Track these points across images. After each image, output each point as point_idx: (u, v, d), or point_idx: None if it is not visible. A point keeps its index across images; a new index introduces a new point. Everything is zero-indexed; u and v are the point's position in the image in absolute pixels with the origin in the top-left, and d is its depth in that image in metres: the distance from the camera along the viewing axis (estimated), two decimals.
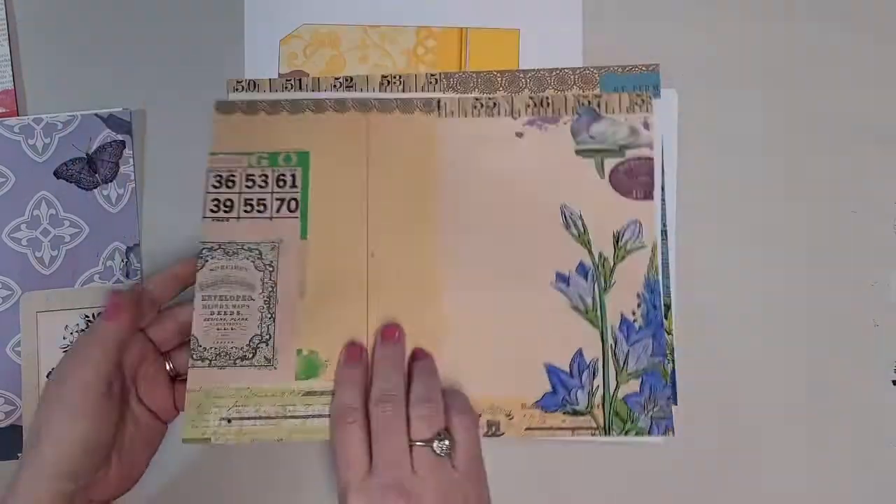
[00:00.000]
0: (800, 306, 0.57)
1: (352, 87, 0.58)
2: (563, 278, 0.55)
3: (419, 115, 0.57)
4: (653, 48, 0.58)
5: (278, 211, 0.56)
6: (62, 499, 0.46)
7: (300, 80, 0.58)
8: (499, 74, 0.58)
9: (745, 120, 0.58)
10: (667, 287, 0.57)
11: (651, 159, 0.56)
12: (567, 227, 0.56)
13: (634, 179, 0.56)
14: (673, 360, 0.56)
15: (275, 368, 0.54)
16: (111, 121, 0.58)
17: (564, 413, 0.54)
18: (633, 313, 0.55)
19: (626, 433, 0.54)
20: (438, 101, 0.57)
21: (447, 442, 0.47)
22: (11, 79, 0.58)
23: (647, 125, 0.56)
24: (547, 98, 0.57)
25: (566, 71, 0.58)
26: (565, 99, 0.57)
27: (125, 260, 0.58)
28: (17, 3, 0.59)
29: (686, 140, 0.58)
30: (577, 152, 0.57)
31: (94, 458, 0.48)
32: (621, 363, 0.55)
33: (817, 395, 0.57)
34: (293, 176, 0.56)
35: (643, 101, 0.57)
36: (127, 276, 0.57)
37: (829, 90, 0.58)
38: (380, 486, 0.45)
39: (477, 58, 0.58)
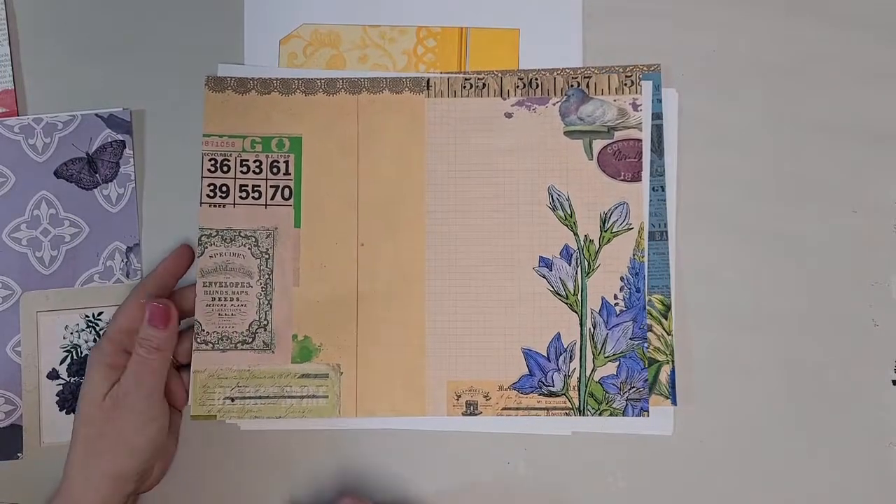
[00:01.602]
0: (800, 306, 0.57)
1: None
2: (546, 263, 0.56)
3: (409, 95, 0.57)
4: (653, 48, 0.58)
5: (273, 198, 0.57)
6: (121, 500, 0.51)
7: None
8: (500, 75, 0.58)
9: (745, 120, 0.58)
10: (667, 287, 0.57)
11: (639, 140, 0.57)
12: (554, 208, 0.56)
13: (623, 161, 0.56)
14: (673, 361, 0.56)
15: (273, 352, 0.56)
16: (111, 121, 0.58)
17: (540, 395, 0.56)
18: (615, 297, 0.56)
19: (601, 414, 0.55)
20: (428, 81, 0.58)
21: None
22: (11, 79, 0.58)
23: (636, 106, 0.57)
24: (536, 79, 0.57)
25: (567, 71, 0.58)
26: (555, 80, 0.57)
27: (125, 260, 0.58)
28: (17, 3, 0.59)
29: (686, 140, 0.58)
30: (566, 133, 0.57)
31: (158, 455, 0.53)
32: (599, 346, 0.56)
33: (817, 395, 0.57)
34: (286, 163, 0.57)
35: (632, 81, 0.57)
36: (127, 275, 0.57)
37: (829, 90, 0.58)
38: None
39: (477, 57, 0.58)
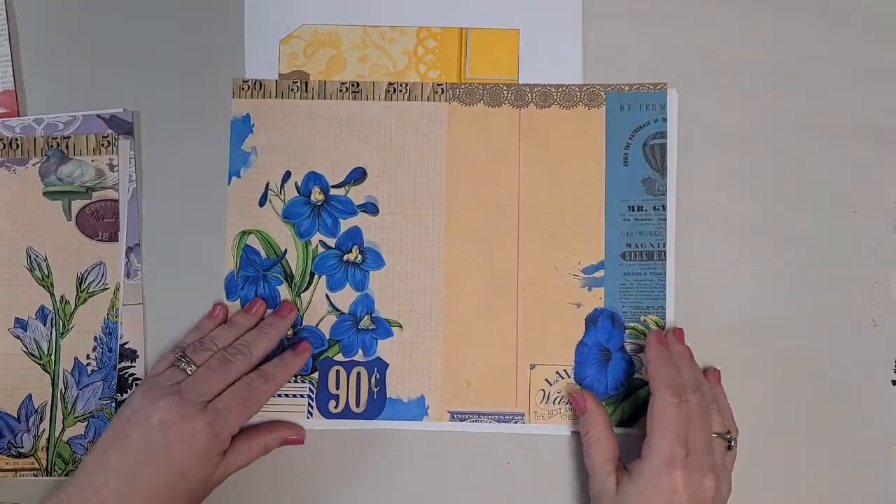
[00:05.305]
0: (800, 306, 0.57)
1: (358, 92, 0.58)
2: (21, 324, 0.56)
3: None
4: (653, 48, 0.58)
5: None
6: None
7: (306, 82, 0.58)
8: (505, 87, 0.58)
9: (745, 120, 0.58)
10: (662, 308, 0.57)
11: (116, 201, 0.57)
12: (31, 269, 0.56)
13: (100, 221, 0.57)
14: None
15: None
16: (113, 121, 0.58)
17: (9, 456, 0.56)
18: (88, 357, 0.56)
19: (68, 474, 0.56)
20: None
21: (732, 434, 0.53)
22: (12, 79, 0.58)
23: (112, 166, 0.57)
24: (17, 140, 0.57)
25: (572, 87, 0.58)
26: (34, 140, 0.57)
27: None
28: (17, 3, 0.59)
29: (686, 140, 0.58)
30: (45, 194, 0.57)
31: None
32: (69, 407, 0.56)
33: (817, 395, 0.57)
34: None
35: (109, 142, 0.57)
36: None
37: (829, 90, 0.58)
38: (700, 467, 0.50)
39: (477, 58, 0.58)
